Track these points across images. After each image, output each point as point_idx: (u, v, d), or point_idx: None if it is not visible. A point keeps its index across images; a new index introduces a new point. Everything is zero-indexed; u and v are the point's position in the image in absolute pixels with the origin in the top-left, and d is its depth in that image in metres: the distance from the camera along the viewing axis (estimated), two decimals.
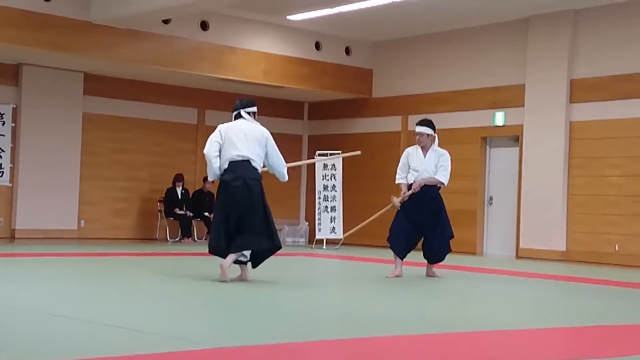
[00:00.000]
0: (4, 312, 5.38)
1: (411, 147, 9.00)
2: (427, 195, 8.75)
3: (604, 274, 10.69)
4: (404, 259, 8.85)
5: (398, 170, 8.95)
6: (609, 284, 9.22)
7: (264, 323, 5.33)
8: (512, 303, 7.31)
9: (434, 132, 8.84)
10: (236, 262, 7.55)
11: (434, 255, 8.95)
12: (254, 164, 7.63)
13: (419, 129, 8.81)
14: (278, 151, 7.87)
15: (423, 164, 8.74)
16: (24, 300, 5.99)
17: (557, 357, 4.45)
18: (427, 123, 8.85)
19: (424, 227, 8.82)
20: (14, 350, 4.02)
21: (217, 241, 7.53)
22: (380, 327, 5.34)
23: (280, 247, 7.74)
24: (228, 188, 7.55)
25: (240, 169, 7.56)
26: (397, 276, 8.65)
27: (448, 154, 8.85)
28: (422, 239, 8.95)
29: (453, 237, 8.97)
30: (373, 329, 5.23)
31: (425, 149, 8.79)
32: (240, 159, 7.58)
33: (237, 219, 7.54)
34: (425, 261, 9.06)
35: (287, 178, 8.01)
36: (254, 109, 7.91)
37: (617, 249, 13.06)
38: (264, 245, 7.62)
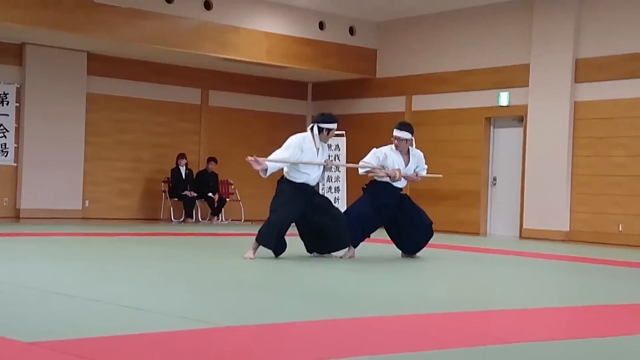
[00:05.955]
0: (9, 291, 5.41)
1: (386, 147, 8.61)
2: (397, 194, 8.62)
3: (607, 254, 10.70)
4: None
5: (367, 161, 8.52)
6: (613, 264, 9.23)
7: (271, 302, 5.36)
8: (515, 283, 7.33)
9: (412, 136, 8.58)
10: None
11: (416, 245, 8.74)
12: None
13: (403, 134, 8.48)
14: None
15: (404, 169, 8.53)
16: (29, 279, 6.02)
17: (560, 336, 4.47)
18: (408, 128, 8.54)
19: (398, 223, 8.65)
20: (21, 328, 4.04)
21: None
22: (385, 306, 5.36)
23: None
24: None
25: None
26: (351, 257, 8.48)
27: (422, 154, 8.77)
28: (395, 234, 8.74)
29: (431, 222, 8.81)
30: (379, 308, 5.25)
31: (403, 153, 8.58)
32: None
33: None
34: (402, 252, 8.86)
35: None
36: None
37: (621, 229, 13.06)
38: None
